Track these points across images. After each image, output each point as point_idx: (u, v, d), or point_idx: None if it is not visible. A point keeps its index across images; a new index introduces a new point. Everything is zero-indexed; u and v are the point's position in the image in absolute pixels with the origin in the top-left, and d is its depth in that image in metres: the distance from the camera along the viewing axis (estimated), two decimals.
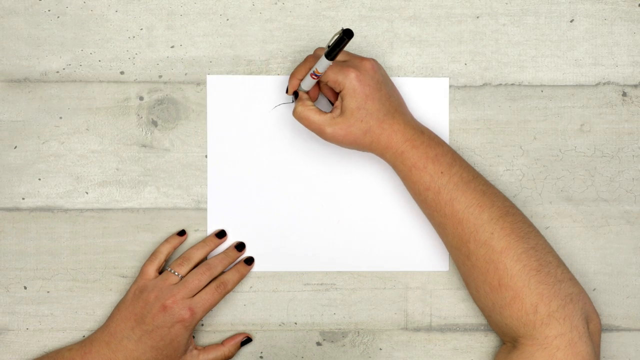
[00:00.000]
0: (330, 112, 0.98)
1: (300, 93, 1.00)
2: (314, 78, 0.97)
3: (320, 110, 0.98)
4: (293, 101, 1.05)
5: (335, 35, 0.91)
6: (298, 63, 1.05)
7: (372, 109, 0.97)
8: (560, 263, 0.96)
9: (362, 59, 0.98)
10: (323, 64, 0.94)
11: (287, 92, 1.01)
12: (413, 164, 0.97)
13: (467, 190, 0.96)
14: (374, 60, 0.99)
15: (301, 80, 0.99)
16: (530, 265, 0.94)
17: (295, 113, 0.99)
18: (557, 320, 0.92)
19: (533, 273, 0.94)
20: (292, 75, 1.00)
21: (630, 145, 1.07)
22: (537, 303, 0.93)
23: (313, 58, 0.99)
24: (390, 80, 1.01)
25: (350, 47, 1.05)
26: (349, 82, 0.96)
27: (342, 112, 0.97)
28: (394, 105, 0.98)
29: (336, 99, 1.01)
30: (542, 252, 0.95)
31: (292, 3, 1.06)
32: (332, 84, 0.97)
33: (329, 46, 0.92)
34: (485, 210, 0.96)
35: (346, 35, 0.90)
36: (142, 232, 1.05)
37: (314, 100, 1.01)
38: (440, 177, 0.97)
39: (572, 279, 0.96)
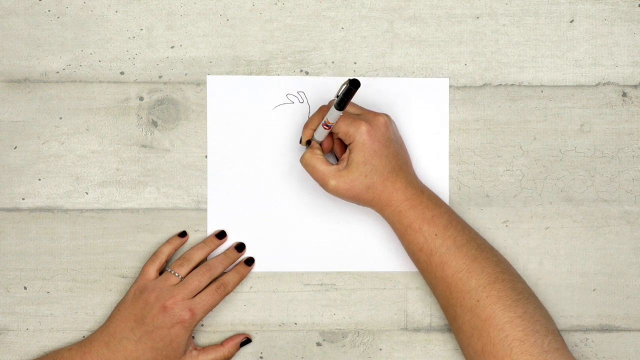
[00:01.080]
0: (337, 164, 0.98)
1: (313, 142, 1.00)
2: (325, 128, 0.97)
3: (328, 161, 0.99)
4: (293, 102, 1.05)
5: (343, 85, 0.92)
6: (298, 63, 1.06)
7: (378, 165, 0.97)
8: (549, 331, 0.94)
9: (375, 114, 0.99)
10: (333, 114, 0.95)
11: (300, 142, 1.02)
12: (409, 223, 0.97)
13: (458, 255, 0.96)
14: (387, 116, 0.99)
15: (314, 130, 1.00)
16: (513, 335, 0.92)
17: (302, 159, 0.99)
18: None
19: (516, 343, 0.92)
20: (305, 125, 1.00)
21: (630, 145, 1.07)
22: None
23: (326, 108, 1.00)
24: (400, 138, 1.01)
25: (355, 51, 1.05)
26: (359, 135, 0.96)
27: (347, 165, 0.97)
28: (399, 163, 0.98)
29: (343, 151, 1.01)
30: (529, 322, 0.93)
31: (292, 3, 1.06)
32: (342, 136, 0.97)
33: (337, 96, 0.93)
34: (473, 277, 0.95)
35: (353, 85, 0.90)
36: (142, 233, 1.05)
37: (326, 151, 1.01)
38: (434, 240, 0.97)
39: (561, 349, 0.94)
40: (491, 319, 0.93)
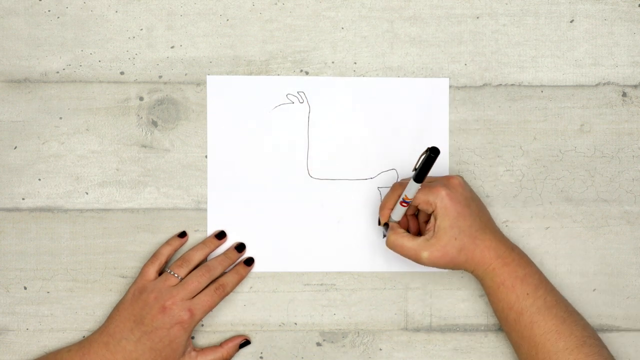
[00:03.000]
0: (423, 235, 0.98)
1: (391, 223, 1.00)
2: (403, 205, 0.97)
3: (413, 236, 0.99)
4: (293, 102, 1.05)
5: (421, 156, 0.93)
6: (298, 63, 1.05)
7: (464, 226, 0.97)
8: None
9: (447, 177, 0.99)
10: (412, 188, 0.95)
11: (379, 223, 1.02)
12: (502, 281, 0.98)
13: (548, 316, 0.97)
14: (460, 176, 1.00)
15: (392, 209, 1.00)
16: None
17: (388, 242, 0.99)
18: None
19: None
20: (382, 206, 1.01)
21: (630, 145, 1.07)
22: None
23: (399, 186, 1.00)
24: (476, 195, 1.01)
25: (355, 51, 1.05)
26: (440, 201, 0.96)
27: (435, 233, 0.97)
28: (483, 220, 0.99)
29: (417, 226, 1.02)
30: None
31: (292, 3, 1.06)
32: (423, 207, 0.98)
33: (415, 169, 0.93)
34: (562, 339, 0.96)
35: (432, 152, 0.91)
36: (142, 233, 1.05)
37: (404, 228, 1.01)
38: (526, 299, 0.97)
39: None
40: None
